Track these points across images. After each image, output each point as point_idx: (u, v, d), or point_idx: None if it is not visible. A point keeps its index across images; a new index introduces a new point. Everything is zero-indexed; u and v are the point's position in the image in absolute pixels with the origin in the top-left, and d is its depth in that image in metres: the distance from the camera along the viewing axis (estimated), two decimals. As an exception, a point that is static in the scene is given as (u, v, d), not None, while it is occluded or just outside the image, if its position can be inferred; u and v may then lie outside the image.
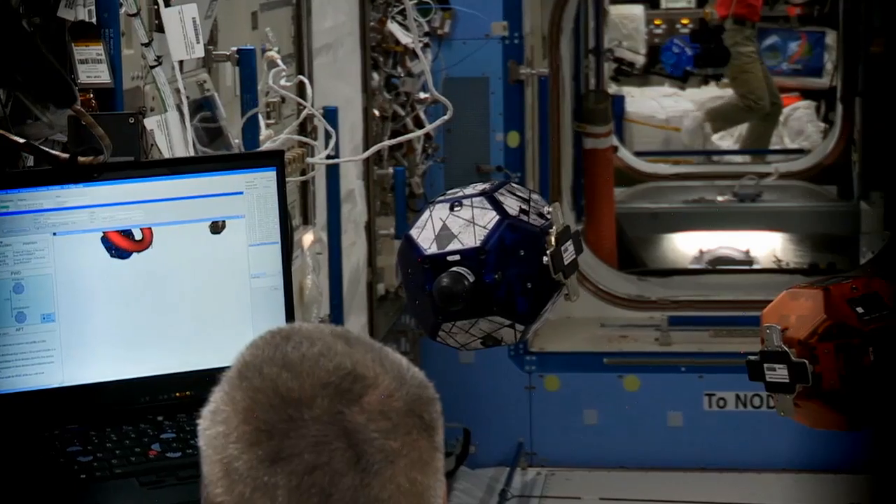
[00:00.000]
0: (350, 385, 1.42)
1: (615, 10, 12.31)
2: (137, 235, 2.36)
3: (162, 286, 2.37)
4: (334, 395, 1.41)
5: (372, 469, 1.40)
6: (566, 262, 2.28)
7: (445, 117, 3.39)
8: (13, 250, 2.28)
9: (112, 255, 2.34)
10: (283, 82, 3.62)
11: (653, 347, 7.01)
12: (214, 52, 3.41)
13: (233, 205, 2.42)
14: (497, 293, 2.24)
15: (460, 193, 2.31)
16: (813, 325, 2.39)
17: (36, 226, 2.29)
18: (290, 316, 2.46)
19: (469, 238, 2.24)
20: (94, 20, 2.65)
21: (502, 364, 6.80)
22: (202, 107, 3.28)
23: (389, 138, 5.20)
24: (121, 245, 2.34)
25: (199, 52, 2.95)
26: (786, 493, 6.57)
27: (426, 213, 2.30)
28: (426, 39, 5.95)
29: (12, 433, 2.25)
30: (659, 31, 13.14)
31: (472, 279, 2.22)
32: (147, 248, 2.36)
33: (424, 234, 2.27)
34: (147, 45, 2.81)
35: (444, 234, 2.25)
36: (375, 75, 5.37)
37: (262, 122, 3.52)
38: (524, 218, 2.28)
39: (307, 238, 4.12)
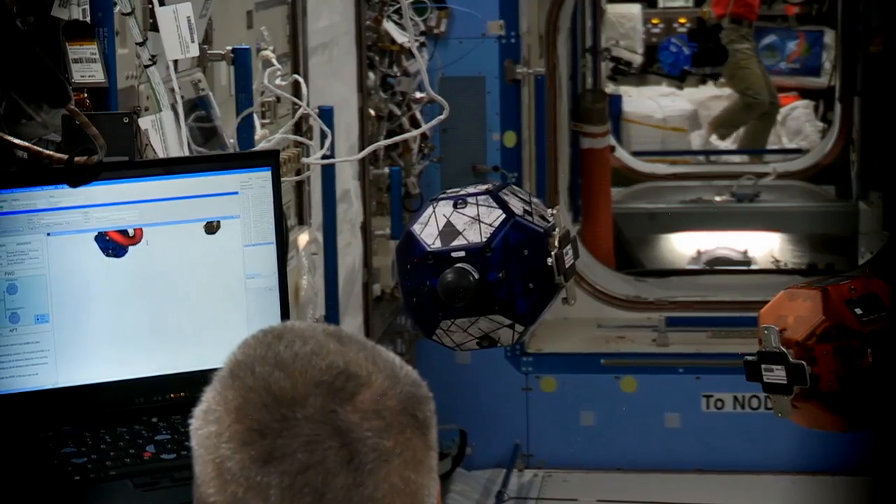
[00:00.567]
0: (343, 384, 1.41)
1: (612, 9, 12.31)
2: (132, 234, 2.35)
3: (156, 287, 2.37)
4: (327, 394, 1.40)
5: (365, 468, 1.39)
6: (567, 266, 2.27)
7: (441, 117, 3.38)
8: (7, 251, 2.28)
9: (108, 255, 2.33)
10: (278, 82, 3.61)
11: (650, 348, 6.99)
12: (209, 52, 3.39)
13: (228, 205, 2.41)
14: (499, 292, 2.23)
15: (463, 192, 2.30)
16: (811, 326, 2.38)
17: (30, 226, 2.29)
18: (285, 317, 2.45)
19: (474, 235, 2.24)
20: (88, 19, 2.64)
21: (499, 365, 6.79)
22: (197, 106, 3.27)
23: (385, 138, 5.20)
24: (117, 240, 2.33)
25: (194, 51, 2.94)
26: (783, 494, 6.56)
27: (429, 210, 2.28)
28: (422, 38, 5.94)
29: (6, 434, 2.24)
30: (656, 30, 13.15)
31: (476, 276, 2.21)
32: (140, 240, 2.35)
33: (427, 230, 2.26)
34: (141, 44, 2.80)
35: (448, 231, 2.25)
36: (371, 75, 5.36)
37: (257, 122, 3.51)
38: (529, 218, 2.28)
39: (302, 238, 4.11)
